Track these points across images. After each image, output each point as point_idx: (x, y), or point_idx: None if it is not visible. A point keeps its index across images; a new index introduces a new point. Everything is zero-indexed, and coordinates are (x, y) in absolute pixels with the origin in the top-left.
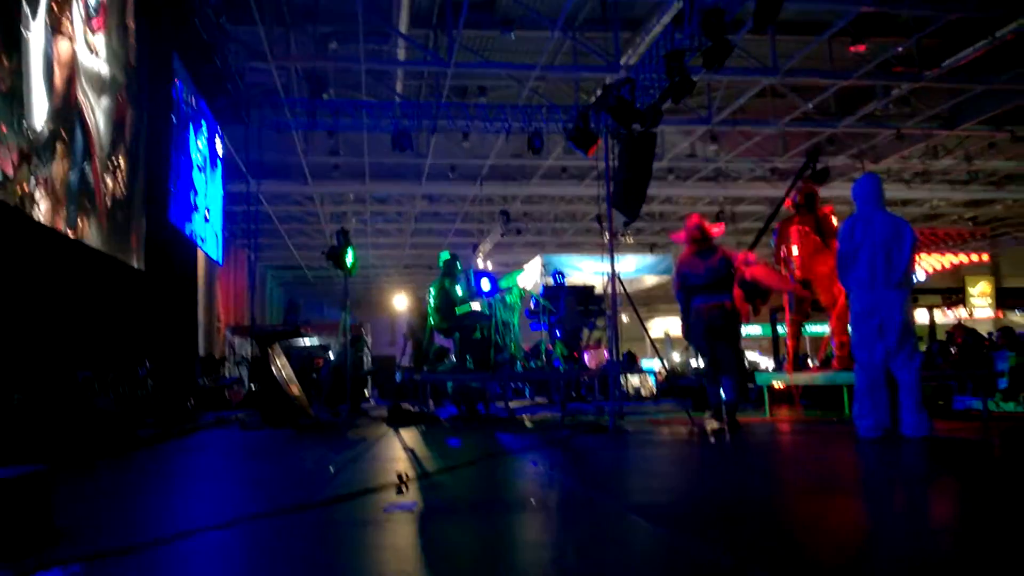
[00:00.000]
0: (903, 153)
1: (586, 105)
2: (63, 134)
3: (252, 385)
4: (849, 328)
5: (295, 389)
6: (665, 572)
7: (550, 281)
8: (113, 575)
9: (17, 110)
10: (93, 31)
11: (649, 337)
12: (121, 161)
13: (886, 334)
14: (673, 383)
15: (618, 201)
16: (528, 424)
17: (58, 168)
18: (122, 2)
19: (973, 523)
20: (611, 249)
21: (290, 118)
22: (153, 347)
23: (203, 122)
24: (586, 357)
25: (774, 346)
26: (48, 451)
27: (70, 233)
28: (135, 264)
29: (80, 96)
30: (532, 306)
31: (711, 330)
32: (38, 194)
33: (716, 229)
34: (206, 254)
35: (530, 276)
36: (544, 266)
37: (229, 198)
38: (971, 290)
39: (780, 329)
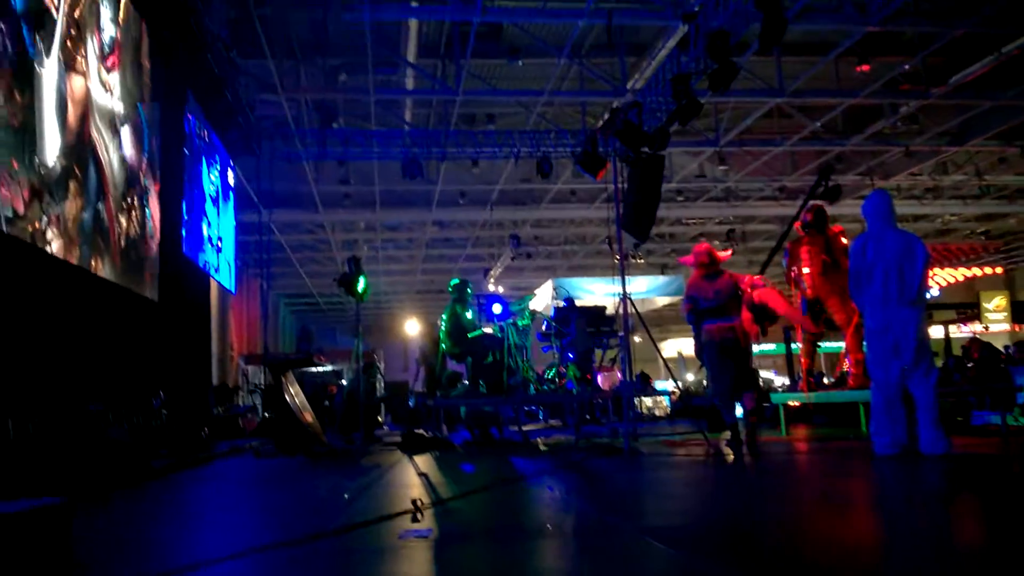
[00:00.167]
0: (913, 170)
1: (594, 129)
2: (76, 171)
3: (266, 413)
4: (864, 346)
5: (308, 416)
6: None
7: (561, 304)
8: None
9: (29, 146)
10: (108, 69)
11: (662, 357)
12: (135, 200)
13: (901, 352)
14: (687, 403)
15: (628, 223)
16: (542, 447)
17: (71, 206)
18: (137, 40)
19: (996, 542)
20: (622, 271)
21: (301, 148)
22: (167, 377)
23: (216, 155)
24: (599, 379)
25: (789, 364)
26: (63, 483)
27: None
28: (149, 295)
29: (94, 133)
30: (544, 328)
31: (724, 350)
32: (50, 233)
33: (724, 254)
34: (219, 283)
35: (542, 300)
36: (556, 289)
37: (241, 228)
38: (986, 304)
39: (795, 347)
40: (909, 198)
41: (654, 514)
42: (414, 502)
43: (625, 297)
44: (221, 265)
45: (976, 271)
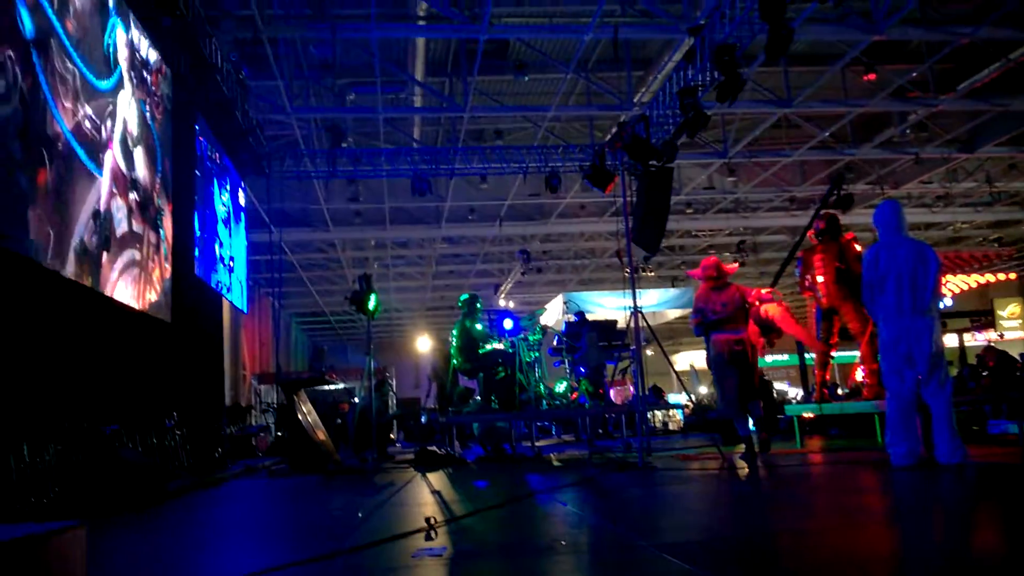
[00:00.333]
0: (923, 178)
1: (602, 143)
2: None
3: (279, 432)
4: (879, 356)
5: (321, 435)
6: None
7: (572, 318)
8: None
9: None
10: (119, 87)
11: (674, 371)
12: (150, 233)
13: (916, 362)
14: (701, 416)
15: (638, 236)
16: (555, 463)
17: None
18: (146, 60)
19: (1018, 553)
20: (632, 284)
21: (311, 168)
22: (180, 397)
23: (227, 176)
24: (612, 393)
25: (802, 376)
26: (78, 505)
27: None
28: (162, 316)
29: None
30: (555, 343)
31: (733, 362)
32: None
33: (731, 267)
34: (231, 303)
35: (552, 314)
36: (566, 304)
37: (252, 248)
38: (1000, 312)
39: (808, 358)
40: (920, 206)
41: (670, 530)
42: (428, 520)
43: (636, 310)
44: (233, 285)
45: (989, 277)
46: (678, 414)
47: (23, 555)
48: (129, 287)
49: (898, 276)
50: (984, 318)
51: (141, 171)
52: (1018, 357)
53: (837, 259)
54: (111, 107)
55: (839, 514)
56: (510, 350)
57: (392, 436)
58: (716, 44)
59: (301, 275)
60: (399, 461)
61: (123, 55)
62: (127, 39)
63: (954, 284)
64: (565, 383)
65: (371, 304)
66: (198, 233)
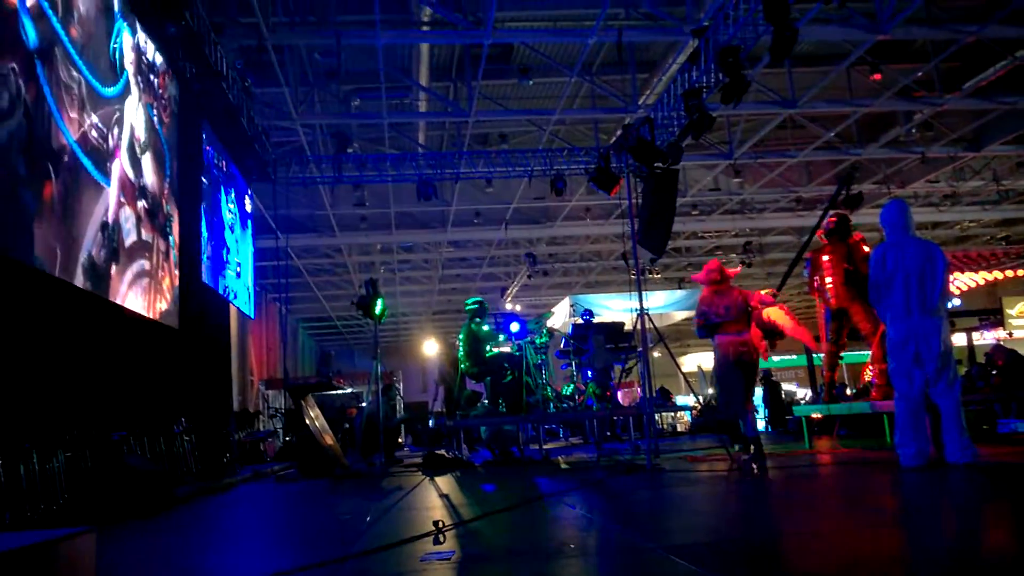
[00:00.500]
0: (930, 177)
1: (607, 146)
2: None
3: (287, 438)
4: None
5: (329, 439)
6: None
7: (579, 321)
8: None
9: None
10: (127, 93)
11: (682, 372)
12: (160, 241)
13: (924, 362)
14: (709, 418)
15: (644, 238)
16: (563, 466)
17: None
18: (152, 64)
19: None
20: (639, 286)
21: (316, 173)
22: (188, 403)
23: (233, 183)
24: (619, 395)
25: (811, 376)
26: (87, 512)
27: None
28: (170, 322)
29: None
30: (562, 346)
31: (739, 365)
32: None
33: (733, 270)
34: (238, 309)
35: (559, 317)
36: (573, 306)
37: (259, 254)
38: (1009, 311)
39: (816, 358)
40: (927, 205)
41: (678, 532)
42: (436, 524)
43: (643, 312)
44: (240, 291)
45: (997, 274)
46: (686, 416)
47: (34, 562)
48: (139, 298)
49: (906, 276)
50: (993, 316)
51: (149, 178)
52: None
53: (845, 260)
54: (118, 114)
55: (848, 515)
56: (517, 353)
57: (400, 440)
58: (720, 46)
59: (308, 280)
60: (407, 465)
61: (129, 59)
62: (133, 43)
63: (962, 282)
64: (572, 387)
65: (377, 309)
66: (205, 239)
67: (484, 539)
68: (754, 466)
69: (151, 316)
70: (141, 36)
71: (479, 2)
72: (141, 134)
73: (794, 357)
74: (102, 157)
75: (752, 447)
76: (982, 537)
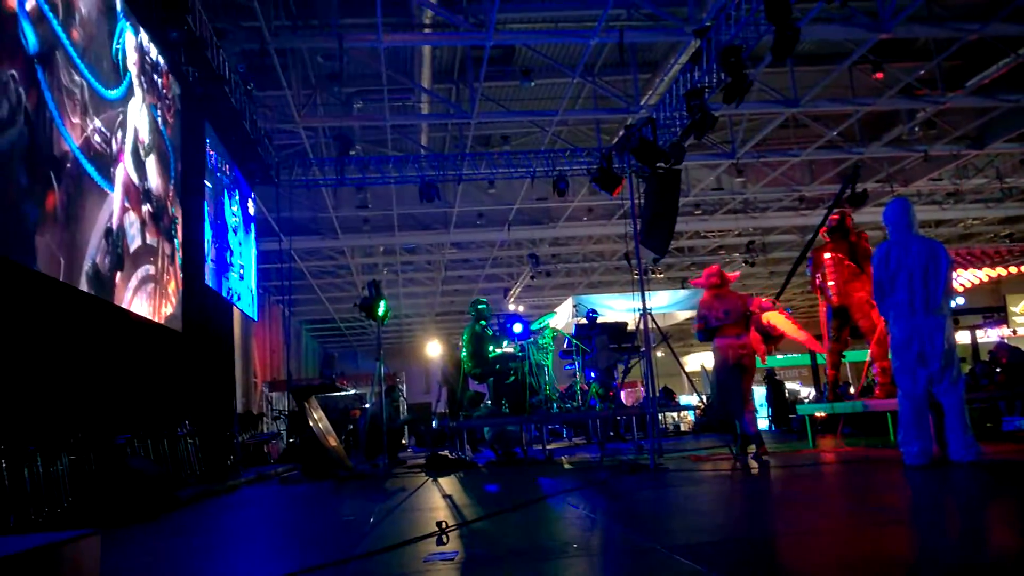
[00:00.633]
0: (933, 175)
1: (609, 147)
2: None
3: (291, 439)
4: (890, 355)
5: (333, 441)
6: None
7: (583, 320)
8: None
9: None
10: (131, 94)
11: (685, 372)
12: (165, 244)
13: (928, 361)
14: (712, 417)
15: (646, 238)
16: (567, 466)
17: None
18: (155, 64)
19: None
20: (641, 286)
21: (319, 176)
22: (192, 406)
23: (236, 187)
24: (623, 395)
25: (814, 375)
26: (92, 515)
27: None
28: (173, 326)
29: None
30: (565, 346)
31: (739, 368)
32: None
33: (732, 275)
34: (242, 311)
35: (562, 318)
36: (576, 307)
37: (262, 256)
38: (1013, 308)
39: (820, 357)
40: (930, 203)
41: (682, 531)
42: (439, 524)
43: (645, 312)
44: (244, 293)
45: (1001, 271)
46: (689, 415)
47: (38, 564)
48: (145, 304)
49: (909, 274)
50: (997, 314)
51: (154, 180)
52: None
53: (847, 257)
54: (121, 117)
55: (852, 514)
56: (520, 354)
57: (403, 441)
58: (722, 45)
59: (311, 282)
60: (410, 466)
61: (132, 60)
62: (136, 42)
63: (966, 279)
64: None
65: (380, 310)
66: (209, 242)
67: (487, 539)
68: (754, 463)
69: (156, 320)
70: (144, 35)
71: (481, 4)
72: (145, 136)
73: (797, 356)
74: (105, 162)
75: (754, 445)
76: (987, 535)
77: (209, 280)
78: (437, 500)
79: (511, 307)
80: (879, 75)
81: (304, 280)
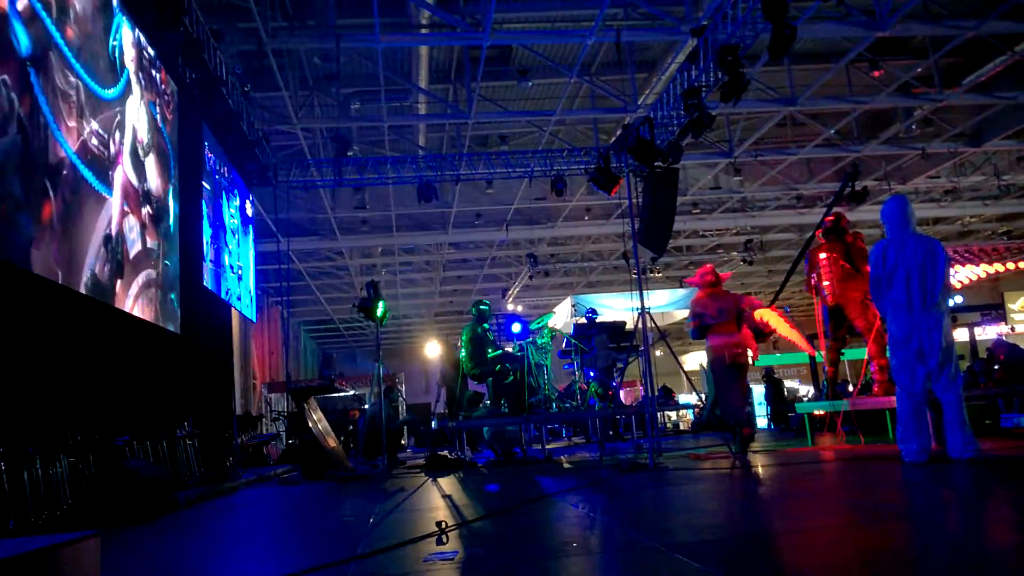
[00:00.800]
0: (930, 173)
1: (606, 146)
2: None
3: (290, 441)
4: (888, 352)
5: (332, 442)
6: None
7: (582, 320)
8: None
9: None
10: (129, 93)
11: (684, 371)
12: (162, 242)
13: (926, 358)
14: (712, 416)
15: (644, 238)
16: (566, 465)
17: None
18: (153, 60)
19: None
20: (640, 285)
21: (317, 177)
22: (191, 408)
23: (235, 189)
24: (622, 394)
25: (813, 373)
26: (91, 517)
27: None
28: (172, 328)
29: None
30: (564, 346)
31: (734, 366)
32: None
33: (725, 274)
34: (240, 313)
35: (561, 317)
36: (574, 306)
37: (260, 257)
38: (1011, 305)
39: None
40: (928, 201)
41: (682, 530)
42: (439, 524)
43: (644, 311)
44: (242, 295)
45: (998, 267)
46: (688, 414)
47: (38, 567)
48: (145, 310)
49: (907, 272)
50: (995, 311)
51: (154, 181)
52: None
53: (842, 257)
54: (119, 117)
55: (851, 511)
56: (519, 353)
57: (402, 442)
58: (719, 44)
59: (309, 283)
60: (410, 466)
61: (130, 56)
62: (133, 38)
63: (964, 275)
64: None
65: (379, 311)
66: (208, 244)
67: (487, 539)
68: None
69: (156, 323)
70: (143, 40)
71: (477, 4)
72: (144, 135)
73: (796, 354)
74: (103, 166)
75: (746, 431)
76: (985, 532)
77: (208, 281)
78: (437, 500)
79: (510, 307)
80: (876, 73)
81: (302, 281)
